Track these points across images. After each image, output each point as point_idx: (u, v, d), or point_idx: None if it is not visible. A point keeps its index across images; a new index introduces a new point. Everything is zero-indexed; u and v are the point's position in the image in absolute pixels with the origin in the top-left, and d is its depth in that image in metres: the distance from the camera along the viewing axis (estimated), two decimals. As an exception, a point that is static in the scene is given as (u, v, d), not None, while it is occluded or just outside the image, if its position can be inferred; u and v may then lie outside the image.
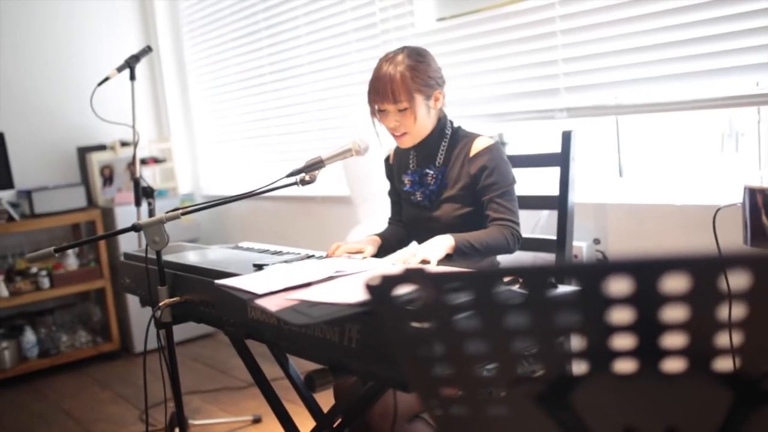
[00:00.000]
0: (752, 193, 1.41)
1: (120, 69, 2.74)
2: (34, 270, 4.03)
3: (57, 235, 4.33)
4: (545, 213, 2.55)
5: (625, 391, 0.72)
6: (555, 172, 2.19)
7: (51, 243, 4.27)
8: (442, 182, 1.97)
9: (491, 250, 1.87)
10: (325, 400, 1.89)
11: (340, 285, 1.37)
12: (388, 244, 2.06)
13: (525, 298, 0.63)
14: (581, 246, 2.44)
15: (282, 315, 1.20)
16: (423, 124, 1.93)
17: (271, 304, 1.26)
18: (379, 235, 2.09)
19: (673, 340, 0.66)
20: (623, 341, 0.68)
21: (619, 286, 0.62)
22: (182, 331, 3.76)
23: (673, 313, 0.63)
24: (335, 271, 1.47)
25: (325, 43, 3.50)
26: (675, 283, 0.60)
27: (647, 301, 0.62)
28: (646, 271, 0.60)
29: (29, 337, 4.02)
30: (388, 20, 3.09)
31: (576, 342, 0.73)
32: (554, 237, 2.19)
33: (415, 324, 0.68)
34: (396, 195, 2.16)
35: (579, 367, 0.73)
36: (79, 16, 4.45)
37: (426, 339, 0.69)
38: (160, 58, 4.68)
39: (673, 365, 0.68)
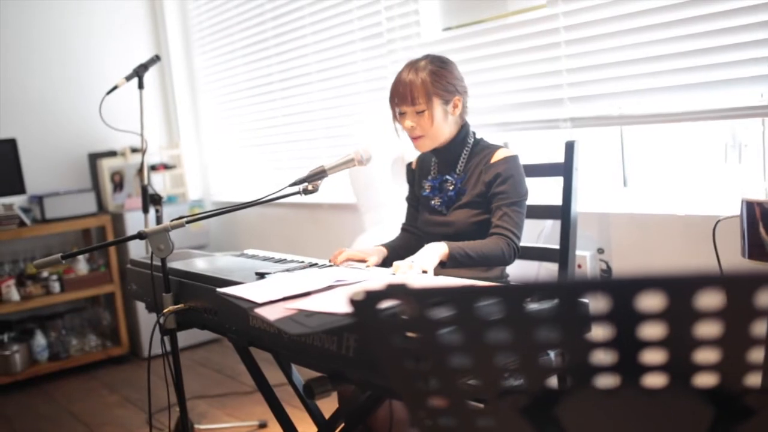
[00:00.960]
0: (750, 205, 1.42)
1: (129, 78, 2.78)
2: (44, 274, 4.07)
3: (68, 240, 4.38)
4: (549, 222, 2.56)
5: (609, 405, 0.74)
6: (559, 181, 2.21)
7: (62, 248, 4.32)
8: (460, 189, 2.00)
9: (486, 259, 1.88)
10: (328, 405, 1.90)
11: (339, 294, 1.38)
12: (395, 255, 2.07)
13: (504, 314, 0.65)
14: (585, 255, 2.45)
15: (280, 324, 1.21)
16: (439, 127, 1.97)
17: (270, 314, 1.28)
18: (386, 245, 2.11)
19: (653, 357, 0.67)
20: (603, 357, 0.69)
21: (598, 303, 0.63)
22: (190, 336, 3.79)
23: (652, 330, 0.64)
24: (335, 280, 1.49)
25: (333, 52, 3.52)
26: (652, 300, 0.62)
27: (626, 318, 0.64)
28: (623, 289, 0.61)
29: (39, 340, 4.06)
30: (394, 30, 3.11)
31: (558, 357, 0.74)
32: (558, 246, 2.20)
33: (398, 338, 0.69)
34: (414, 201, 2.19)
35: (562, 382, 0.74)
36: (91, 24, 4.51)
37: (410, 353, 0.71)
38: (171, 65, 4.73)
39: (654, 381, 0.69)
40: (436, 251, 1.79)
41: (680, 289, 0.60)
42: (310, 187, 1.88)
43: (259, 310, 1.33)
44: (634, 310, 0.62)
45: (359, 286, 1.48)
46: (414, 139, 2.01)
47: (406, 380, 0.75)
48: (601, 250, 2.47)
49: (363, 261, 1.94)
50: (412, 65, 1.98)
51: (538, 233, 2.60)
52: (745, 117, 2.18)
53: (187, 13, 4.71)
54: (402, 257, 2.15)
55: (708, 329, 0.64)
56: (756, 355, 0.66)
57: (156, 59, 2.88)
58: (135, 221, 4.13)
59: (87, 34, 4.49)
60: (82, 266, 4.19)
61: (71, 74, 4.44)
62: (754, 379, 0.68)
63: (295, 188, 1.88)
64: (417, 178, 2.16)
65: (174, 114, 4.82)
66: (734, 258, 1.62)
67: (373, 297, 0.65)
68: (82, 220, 4.15)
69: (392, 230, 2.32)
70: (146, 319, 4.17)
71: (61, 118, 4.40)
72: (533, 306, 0.66)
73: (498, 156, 1.99)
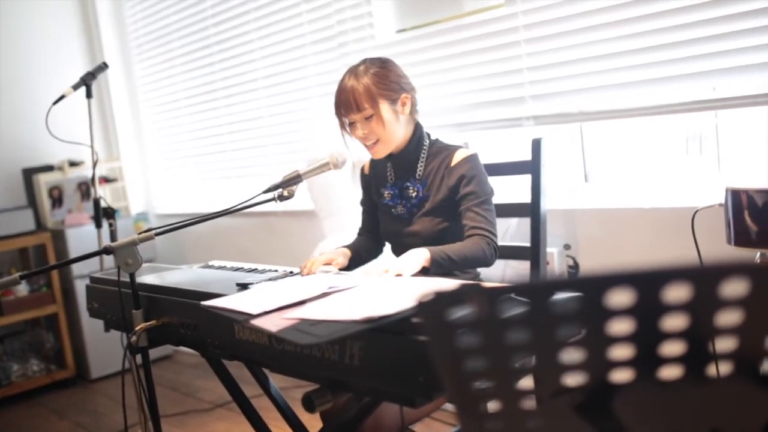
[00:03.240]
0: (735, 193, 1.45)
1: (76, 87, 2.66)
2: (-20, 298, 3.86)
3: (4, 260, 4.16)
4: (514, 221, 2.57)
5: (669, 396, 0.72)
6: (523, 179, 2.21)
7: (-2, 269, 4.10)
8: (423, 196, 1.95)
9: (469, 262, 1.86)
10: (307, 417, 1.85)
11: (337, 301, 1.34)
12: (357, 257, 2.03)
13: (579, 309, 0.63)
14: (552, 252, 2.47)
15: (285, 335, 1.17)
16: (393, 129, 1.91)
17: (270, 325, 1.23)
18: (347, 247, 2.06)
19: (722, 345, 0.66)
20: (671, 348, 0.68)
21: (674, 293, 0.62)
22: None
23: (726, 319, 0.63)
24: (328, 287, 1.44)
25: (281, 57, 3.46)
26: (733, 288, 0.61)
27: (701, 307, 0.63)
28: (704, 279, 0.60)
29: (-22, 368, 3.84)
30: (346, 32, 3.08)
31: (619, 350, 0.72)
32: (527, 244, 2.20)
33: (465, 339, 0.66)
34: (370, 206, 2.13)
35: (621, 375, 0.73)
36: (22, 36, 4.30)
37: (475, 354, 0.68)
38: (108, 75, 4.55)
39: (719, 369, 0.69)
40: (418, 257, 1.75)
41: (761, 275, 0.60)
42: (285, 193, 1.82)
43: (255, 322, 1.27)
44: (717, 296, 0.61)
45: (355, 291, 1.44)
46: (370, 147, 1.94)
47: (464, 382, 0.72)
48: (567, 246, 2.50)
49: (329, 263, 1.90)
50: (352, 71, 1.92)
51: (504, 232, 2.61)
52: (699, 110, 2.25)
53: (123, 20, 4.55)
54: (365, 260, 2.11)
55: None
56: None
57: (104, 66, 2.76)
58: (78, 237, 3.96)
59: (16, 44, 4.29)
60: (21, 287, 3.98)
61: (1, 87, 4.22)
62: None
63: (270, 195, 1.82)
64: (373, 184, 2.11)
65: (113, 125, 4.64)
66: (713, 248, 1.66)
67: (443, 298, 0.62)
68: (19, 239, 3.95)
69: (353, 236, 2.27)
70: (93, 339, 4.00)
71: (-9, 132, 4.18)
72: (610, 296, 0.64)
73: (458, 157, 1.94)
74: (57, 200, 4.16)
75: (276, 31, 3.46)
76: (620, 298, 0.63)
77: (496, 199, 2.33)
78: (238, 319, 1.33)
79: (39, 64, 4.34)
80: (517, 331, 0.64)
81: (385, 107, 1.87)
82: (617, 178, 2.56)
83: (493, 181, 2.66)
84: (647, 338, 0.67)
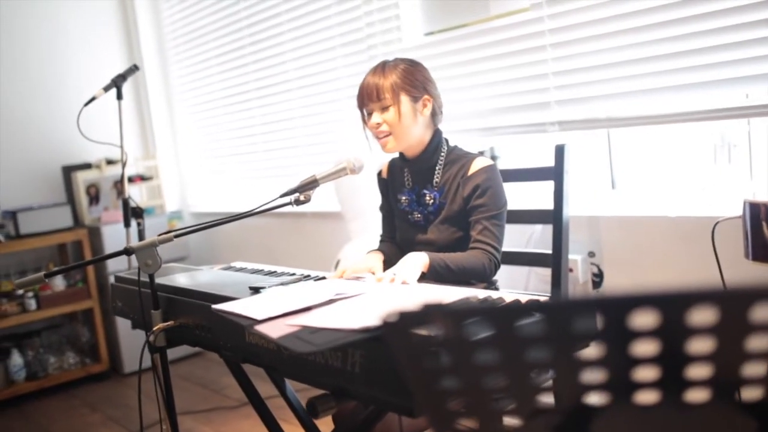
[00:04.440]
0: (753, 206, 1.41)
1: (107, 89, 2.71)
2: (20, 292, 3.97)
3: (43, 256, 4.27)
4: (539, 227, 2.54)
5: (647, 421, 0.71)
6: (548, 185, 2.19)
7: (37, 263, 4.22)
8: (440, 204, 1.94)
9: (466, 273, 1.84)
10: (323, 421, 1.86)
11: (341, 309, 1.35)
12: (389, 261, 2.03)
13: (545, 332, 0.62)
14: (576, 259, 2.44)
15: (284, 342, 1.17)
16: (408, 125, 1.89)
17: (272, 331, 1.24)
18: (380, 250, 2.05)
19: (698, 371, 0.65)
20: (646, 372, 0.66)
21: (644, 319, 0.61)
22: (173, 349, 3.72)
23: (699, 345, 0.62)
24: (335, 293, 1.45)
25: (312, 59, 3.48)
26: (701, 315, 0.59)
27: (672, 333, 0.61)
28: (671, 304, 0.59)
29: (16, 359, 3.95)
30: (374, 35, 3.08)
31: (595, 373, 0.71)
32: (549, 251, 2.18)
33: (432, 359, 0.66)
34: (389, 211, 2.12)
35: (598, 398, 0.71)
36: (63, 35, 4.42)
37: (444, 374, 0.68)
38: (145, 75, 4.65)
39: (697, 396, 0.67)
40: (417, 263, 1.75)
41: (732, 302, 0.58)
42: (302, 198, 1.83)
43: (259, 328, 1.28)
44: (684, 324, 0.60)
45: (361, 299, 1.44)
46: (381, 138, 1.92)
47: (436, 402, 0.72)
48: (591, 254, 2.46)
49: (371, 273, 1.89)
50: (381, 64, 1.93)
51: (528, 238, 2.58)
52: (731, 118, 2.18)
53: (161, 21, 4.63)
54: (395, 264, 2.10)
55: (757, 343, 0.62)
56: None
57: (134, 69, 2.81)
58: (112, 235, 4.05)
59: (57, 45, 4.40)
60: (58, 282, 4.09)
61: (43, 86, 4.34)
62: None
63: (287, 199, 1.83)
64: (390, 188, 2.10)
65: (149, 124, 4.73)
66: (733, 260, 1.61)
67: (407, 318, 0.62)
68: (57, 235, 4.06)
69: (378, 239, 2.27)
70: (126, 334, 4.08)
71: (32, 131, 4.29)
72: (572, 322, 0.63)
73: (475, 167, 1.91)
74: (94, 198, 4.26)
75: (307, 33, 3.48)
76: (587, 323, 0.62)
77: (519, 206, 2.31)
78: (243, 324, 1.34)
79: (79, 64, 4.44)
80: (482, 353, 0.64)
81: (405, 101, 1.87)
82: (644, 186, 2.51)
83: (516, 187, 2.65)
84: (621, 362, 0.66)
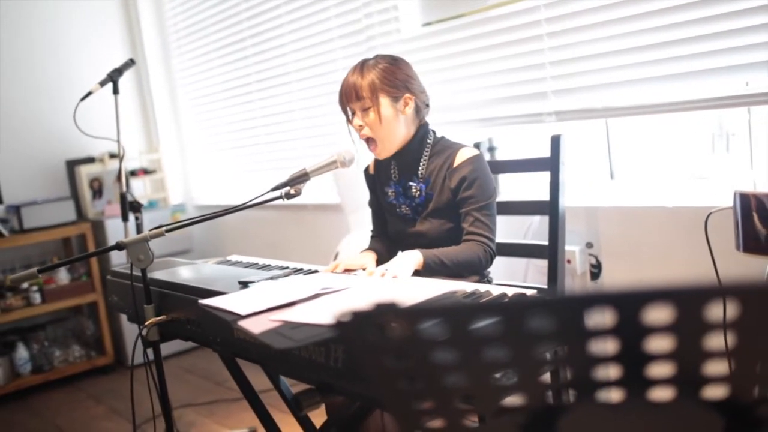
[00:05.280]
0: (744, 197, 1.38)
1: (103, 83, 2.71)
2: (25, 285, 3.99)
3: (48, 250, 4.29)
4: (536, 218, 2.52)
5: (614, 419, 0.70)
6: (546, 176, 2.17)
7: (42, 257, 4.24)
8: (427, 195, 1.93)
9: (462, 267, 1.83)
10: (317, 413, 1.86)
11: (324, 304, 1.34)
12: (381, 259, 2.02)
13: (501, 332, 0.61)
14: (574, 250, 2.42)
15: (264, 338, 1.17)
16: (390, 127, 1.88)
17: (254, 326, 1.23)
18: (371, 249, 2.05)
19: (660, 370, 0.63)
20: (609, 371, 0.65)
21: (602, 317, 0.59)
22: (176, 342, 3.73)
23: (659, 343, 0.60)
24: (321, 288, 1.44)
25: (311, 51, 3.47)
26: (660, 313, 0.58)
27: (632, 331, 0.60)
28: (629, 303, 0.57)
29: (22, 353, 3.98)
30: (373, 26, 3.06)
31: (560, 372, 0.70)
32: (546, 243, 2.16)
33: (389, 359, 0.65)
34: (378, 207, 2.11)
35: (564, 397, 0.70)
36: (64, 30, 4.42)
37: (402, 373, 0.67)
38: (147, 68, 4.65)
39: (661, 394, 0.66)
40: (411, 260, 1.74)
41: (689, 300, 0.57)
42: (292, 191, 1.82)
43: (242, 323, 1.28)
44: (642, 323, 0.58)
45: (346, 293, 1.43)
46: (368, 144, 1.93)
47: (399, 400, 0.71)
48: (589, 245, 2.44)
49: (362, 268, 1.88)
50: (361, 64, 1.91)
51: (526, 230, 2.56)
52: (731, 106, 2.15)
53: (162, 14, 4.63)
54: (387, 260, 2.09)
55: (718, 341, 0.61)
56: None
57: (131, 63, 2.81)
58: (116, 228, 4.05)
59: (59, 38, 4.40)
60: (63, 276, 4.10)
61: (46, 80, 4.34)
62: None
63: (277, 193, 1.82)
64: (377, 183, 2.08)
65: (152, 117, 4.74)
66: (727, 251, 1.59)
67: (360, 318, 0.61)
68: (61, 229, 4.07)
69: (369, 235, 2.26)
70: (131, 327, 4.10)
71: (35, 125, 4.30)
72: (532, 321, 0.62)
73: (460, 158, 1.89)
74: (97, 191, 4.27)
75: (306, 25, 3.46)
76: (544, 324, 0.61)
77: (516, 197, 2.29)
78: (228, 319, 1.34)
79: (82, 58, 4.44)
80: (437, 353, 0.63)
81: (385, 102, 1.85)
82: (643, 176, 2.48)
83: (514, 178, 2.63)
84: (585, 360, 0.65)
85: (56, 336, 4.24)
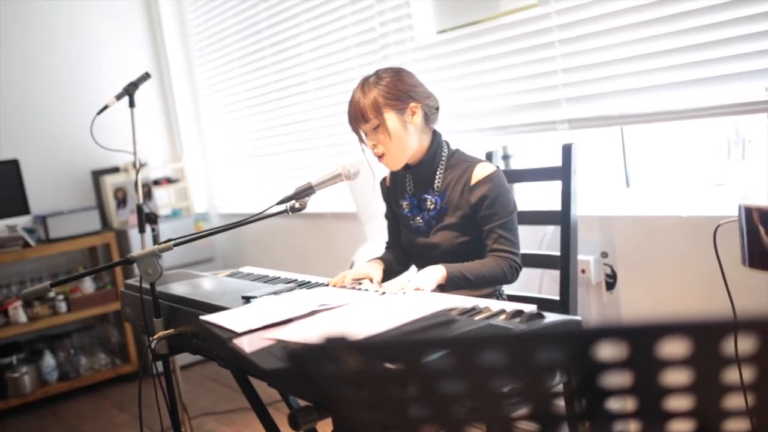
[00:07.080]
0: (748, 211, 1.34)
1: (119, 97, 2.74)
2: (51, 294, 4.06)
3: (74, 259, 4.36)
4: (551, 228, 2.49)
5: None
6: (559, 185, 2.14)
7: (69, 267, 4.31)
8: (442, 209, 1.93)
9: (485, 281, 1.83)
10: (325, 423, 1.85)
11: (320, 321, 1.33)
12: (390, 269, 2.02)
13: (454, 367, 0.59)
14: (588, 260, 2.38)
15: (254, 358, 1.17)
16: (400, 140, 1.88)
17: (248, 345, 1.24)
18: (380, 258, 2.05)
19: (678, 403, 0.61)
20: (623, 403, 0.64)
21: (617, 351, 0.58)
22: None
23: (676, 377, 0.59)
24: (319, 304, 1.44)
25: (328, 59, 3.48)
26: (675, 347, 0.56)
27: (646, 365, 0.58)
28: (643, 337, 0.56)
29: (48, 361, 4.05)
30: (387, 35, 3.06)
31: (567, 405, 0.69)
32: (559, 253, 2.13)
33: (347, 390, 0.64)
34: (394, 219, 2.12)
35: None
36: (90, 41, 4.49)
37: (362, 404, 0.66)
38: (171, 77, 4.70)
39: (681, 427, 0.64)
40: (435, 274, 1.74)
41: (707, 335, 0.55)
42: (297, 205, 1.83)
43: (237, 341, 1.28)
44: (656, 357, 0.56)
45: (344, 310, 1.43)
46: (380, 159, 1.93)
47: (367, 428, 0.70)
48: (604, 254, 2.40)
49: (368, 278, 1.88)
50: (362, 83, 1.92)
51: (540, 240, 2.53)
52: (750, 112, 2.10)
53: (185, 24, 4.68)
54: (398, 272, 2.09)
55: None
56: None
57: (146, 76, 2.84)
58: (139, 238, 4.09)
59: (85, 51, 4.48)
60: (88, 285, 4.17)
61: (71, 92, 4.42)
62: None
63: (282, 206, 1.83)
64: (393, 195, 2.09)
65: (176, 126, 4.79)
66: (736, 263, 1.55)
67: (312, 352, 0.60)
68: (86, 239, 4.13)
69: (384, 247, 2.25)
70: (154, 335, 4.14)
71: (62, 136, 4.38)
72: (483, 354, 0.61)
73: (478, 174, 1.89)
74: (122, 201, 4.33)
75: (323, 34, 3.47)
76: (499, 359, 0.60)
77: (528, 206, 2.27)
78: (224, 336, 1.34)
79: (107, 70, 4.51)
80: (391, 386, 0.62)
81: (391, 117, 1.86)
82: (658, 184, 2.44)
83: (527, 187, 2.60)
84: (594, 393, 0.63)
85: (82, 344, 4.31)
